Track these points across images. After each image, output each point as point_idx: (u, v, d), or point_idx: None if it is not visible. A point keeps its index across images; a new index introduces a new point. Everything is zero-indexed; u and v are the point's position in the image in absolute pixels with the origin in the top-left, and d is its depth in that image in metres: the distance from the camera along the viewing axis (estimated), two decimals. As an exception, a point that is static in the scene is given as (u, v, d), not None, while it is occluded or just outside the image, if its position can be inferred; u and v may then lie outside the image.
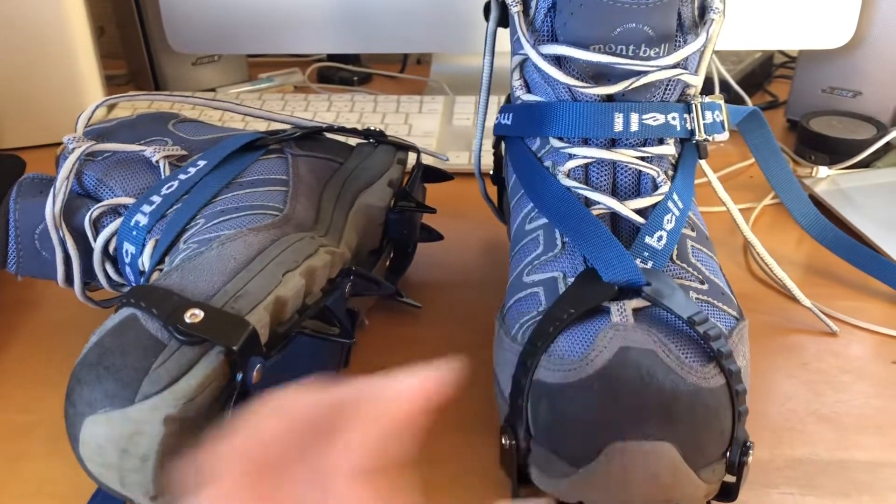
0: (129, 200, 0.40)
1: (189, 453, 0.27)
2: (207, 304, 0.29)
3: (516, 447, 0.31)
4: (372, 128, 0.49)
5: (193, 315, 0.28)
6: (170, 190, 0.39)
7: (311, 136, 0.46)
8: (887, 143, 0.64)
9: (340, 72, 0.88)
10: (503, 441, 0.32)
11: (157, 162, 0.41)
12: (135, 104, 0.74)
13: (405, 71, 0.90)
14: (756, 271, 0.53)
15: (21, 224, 0.41)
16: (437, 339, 0.46)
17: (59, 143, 0.71)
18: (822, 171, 0.61)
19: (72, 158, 0.41)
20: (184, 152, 0.43)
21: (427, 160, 0.61)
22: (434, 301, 0.50)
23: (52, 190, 0.40)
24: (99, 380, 0.27)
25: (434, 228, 0.52)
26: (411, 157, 0.56)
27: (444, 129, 0.70)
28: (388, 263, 0.47)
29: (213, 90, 0.82)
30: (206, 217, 0.37)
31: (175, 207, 0.39)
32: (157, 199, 0.39)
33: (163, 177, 0.41)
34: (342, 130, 0.47)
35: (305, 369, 0.34)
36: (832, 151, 0.63)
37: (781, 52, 0.88)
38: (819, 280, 0.52)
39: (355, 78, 0.87)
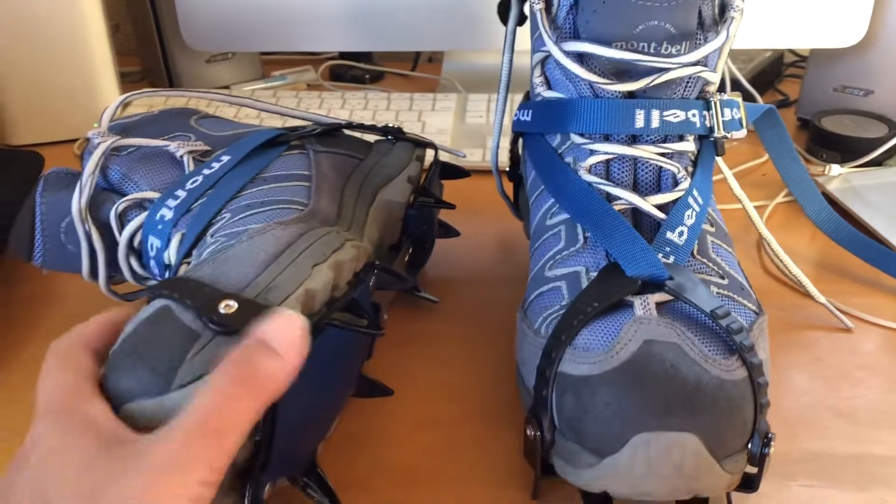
0: (154, 195, 0.41)
1: None
2: (241, 296, 0.29)
3: (541, 438, 0.32)
4: (390, 125, 0.49)
5: (228, 306, 0.29)
6: (194, 185, 0.40)
7: (330, 133, 0.47)
8: (899, 142, 0.64)
9: (353, 69, 0.88)
10: (528, 432, 0.32)
11: (181, 157, 0.42)
12: (151, 101, 0.74)
13: (417, 69, 0.90)
14: (770, 268, 0.53)
15: (47, 218, 0.42)
16: (452, 334, 0.47)
17: (75, 140, 0.72)
18: (835, 169, 0.61)
19: (97, 153, 0.41)
20: (207, 148, 0.43)
21: (444, 157, 0.61)
22: (450, 296, 0.50)
23: (78, 184, 0.41)
24: (134, 369, 0.27)
25: (451, 225, 0.52)
26: (429, 154, 0.56)
27: (457, 127, 0.71)
28: (406, 258, 0.47)
29: (226, 87, 0.83)
30: (231, 211, 0.38)
31: (200, 202, 0.39)
32: (181, 193, 0.40)
33: (187, 172, 0.41)
34: (361, 127, 0.48)
35: (335, 361, 0.35)
36: (844, 150, 0.64)
37: (791, 51, 0.89)
38: (832, 276, 0.52)
39: (367, 76, 0.87)
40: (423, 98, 0.75)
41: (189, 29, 0.74)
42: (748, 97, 0.75)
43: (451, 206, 0.48)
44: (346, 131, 0.48)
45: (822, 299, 0.47)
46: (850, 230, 0.51)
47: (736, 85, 0.76)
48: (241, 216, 0.37)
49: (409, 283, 0.39)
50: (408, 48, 0.75)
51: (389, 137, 0.48)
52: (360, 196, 0.43)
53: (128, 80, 0.86)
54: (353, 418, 0.41)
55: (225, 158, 0.41)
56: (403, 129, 0.50)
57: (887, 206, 0.57)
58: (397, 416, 0.41)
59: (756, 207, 0.59)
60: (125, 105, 0.74)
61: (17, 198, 0.58)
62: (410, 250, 0.48)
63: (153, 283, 0.42)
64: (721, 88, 0.75)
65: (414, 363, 0.45)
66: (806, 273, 0.51)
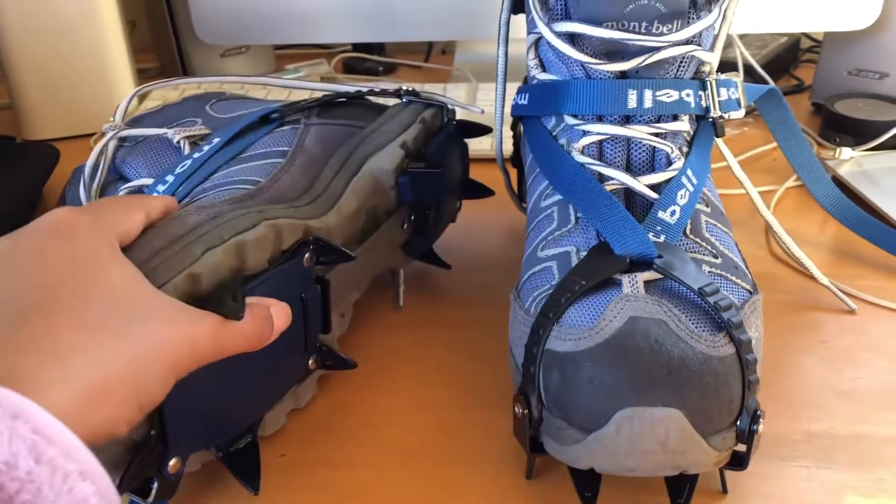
0: (150, 181, 0.41)
1: None
2: None
3: (529, 416, 0.32)
4: (405, 87, 0.48)
5: None
6: (182, 169, 0.41)
7: (340, 103, 0.46)
8: (913, 125, 0.63)
9: (366, 62, 0.89)
10: (516, 410, 0.33)
11: (177, 143, 0.43)
12: (165, 93, 0.75)
13: (429, 60, 0.90)
14: (777, 252, 0.53)
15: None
16: (455, 318, 0.47)
17: (92, 135, 0.73)
18: (846, 152, 0.61)
19: (100, 144, 0.43)
20: (206, 131, 0.44)
21: (461, 115, 0.58)
22: (454, 281, 0.50)
23: (82, 176, 0.42)
24: None
25: (484, 185, 0.50)
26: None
27: (467, 116, 0.70)
28: (405, 226, 0.45)
29: (240, 81, 0.83)
30: (193, 194, 0.38)
31: (182, 185, 0.40)
32: (170, 178, 0.40)
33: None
34: (371, 93, 0.47)
35: None
36: (857, 133, 0.63)
37: (807, 37, 0.87)
38: (842, 260, 0.52)
39: (380, 68, 0.88)
40: (434, 88, 0.75)
41: (202, 23, 0.75)
42: (761, 82, 0.74)
43: (439, 173, 0.45)
44: (369, 98, 0.47)
45: (824, 280, 0.47)
46: (859, 212, 0.50)
47: (749, 71, 0.75)
48: (198, 198, 0.37)
49: (350, 258, 0.38)
50: (419, 38, 0.75)
51: (404, 100, 0.47)
52: (343, 167, 0.41)
53: (145, 76, 0.87)
54: (347, 398, 0.41)
55: (215, 140, 0.42)
56: (418, 91, 0.48)
57: (899, 189, 0.56)
58: (393, 397, 0.41)
59: (766, 192, 0.59)
60: (142, 98, 0.76)
61: (32, 189, 0.60)
62: (412, 218, 0.46)
63: None
64: (734, 74, 0.74)
65: (410, 344, 0.45)
66: (815, 257, 0.50)
